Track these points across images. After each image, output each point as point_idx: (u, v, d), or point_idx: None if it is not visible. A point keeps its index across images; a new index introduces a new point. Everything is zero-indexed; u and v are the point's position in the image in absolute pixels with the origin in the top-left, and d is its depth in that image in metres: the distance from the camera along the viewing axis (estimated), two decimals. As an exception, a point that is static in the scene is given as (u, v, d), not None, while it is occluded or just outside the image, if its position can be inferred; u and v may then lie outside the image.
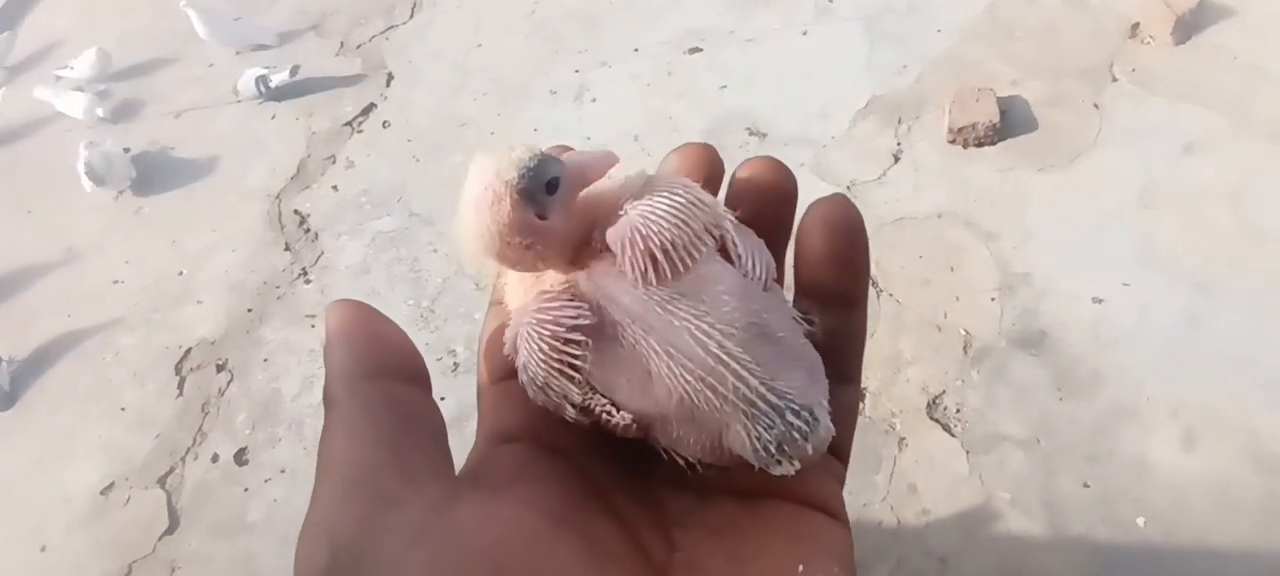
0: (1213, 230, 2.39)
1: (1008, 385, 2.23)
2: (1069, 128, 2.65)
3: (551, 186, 0.31)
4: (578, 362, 0.30)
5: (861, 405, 2.24)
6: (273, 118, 3.38)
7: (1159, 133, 2.61)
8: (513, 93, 3.22)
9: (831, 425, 0.31)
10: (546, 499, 0.30)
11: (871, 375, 2.28)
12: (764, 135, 2.85)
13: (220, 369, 2.72)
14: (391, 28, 3.58)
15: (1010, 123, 2.67)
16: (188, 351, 2.78)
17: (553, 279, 0.32)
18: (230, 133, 3.38)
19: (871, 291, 2.43)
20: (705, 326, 0.30)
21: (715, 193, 0.34)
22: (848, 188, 2.65)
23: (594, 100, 3.11)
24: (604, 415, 0.31)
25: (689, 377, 0.30)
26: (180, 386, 2.71)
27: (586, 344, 0.30)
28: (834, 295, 0.33)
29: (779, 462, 0.30)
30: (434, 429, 0.30)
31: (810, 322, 0.33)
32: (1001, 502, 2.07)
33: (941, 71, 2.86)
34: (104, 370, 2.83)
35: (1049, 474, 2.10)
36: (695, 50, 3.16)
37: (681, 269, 0.30)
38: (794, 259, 0.33)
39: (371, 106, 3.32)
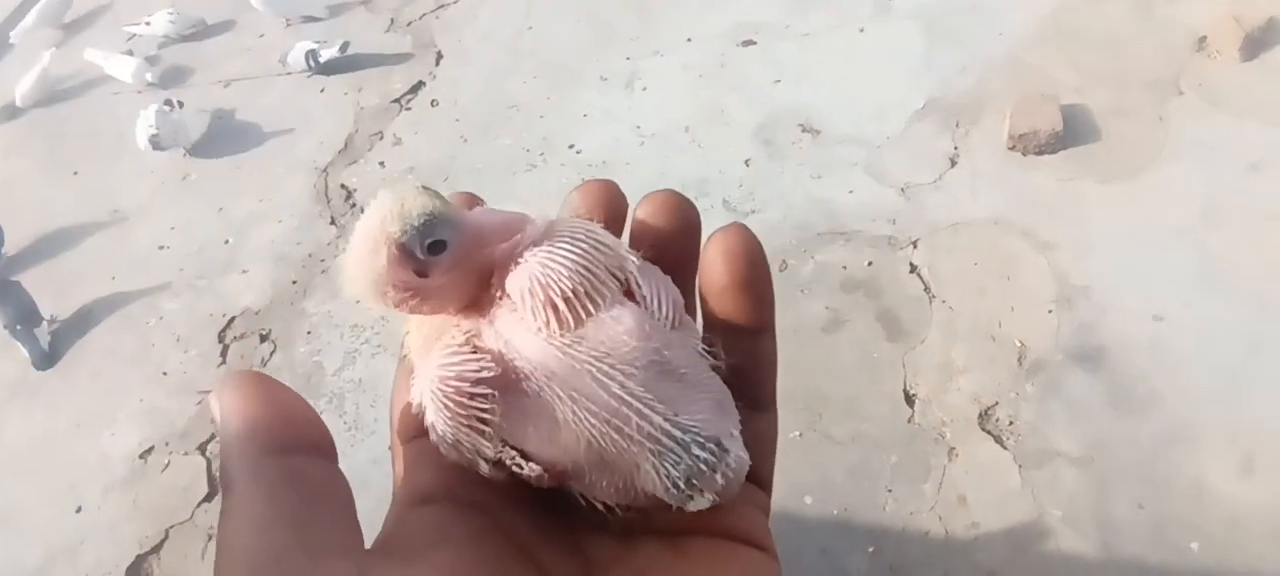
0: (1278, 252, 2.33)
1: (1063, 400, 2.19)
2: (1133, 140, 2.60)
3: (435, 247, 0.30)
4: (486, 416, 0.29)
5: (911, 414, 2.21)
6: (321, 91, 3.38)
7: (1225, 149, 2.55)
8: (562, 77, 3.20)
9: (745, 454, 0.31)
10: (464, 562, 0.29)
11: (921, 381, 2.25)
12: (817, 132, 2.81)
13: (263, 339, 2.72)
14: (442, 7, 3.57)
15: (1072, 131, 2.62)
16: (231, 320, 2.79)
17: (455, 330, 0.31)
18: (278, 104, 3.39)
19: (924, 296, 2.40)
20: (605, 368, 0.29)
21: (619, 228, 0.33)
22: (902, 189, 2.61)
23: (645, 89, 3.08)
24: (515, 467, 0.30)
25: (593, 421, 0.29)
26: (223, 354, 2.72)
27: (493, 396, 0.29)
28: (740, 322, 0.33)
29: (691, 497, 0.30)
30: (340, 501, 0.29)
31: (715, 356, 0.32)
32: (1053, 519, 2.03)
33: (1003, 75, 2.81)
34: (147, 334, 2.84)
35: (1103, 493, 2.06)
36: (749, 43, 3.12)
37: (584, 315, 0.30)
38: (698, 292, 0.33)
39: (420, 84, 3.31)
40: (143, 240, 3.11)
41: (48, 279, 3.07)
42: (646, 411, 0.29)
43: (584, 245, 0.30)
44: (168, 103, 3.26)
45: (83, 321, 2.95)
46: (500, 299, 0.31)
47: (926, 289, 2.40)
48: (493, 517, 0.31)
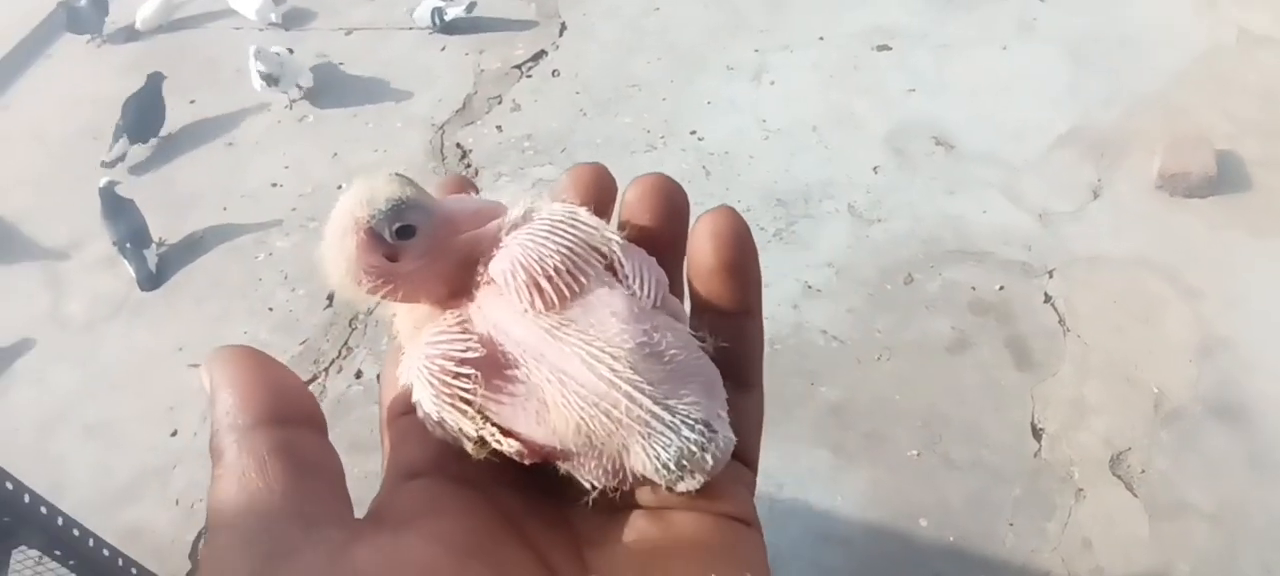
0: None
1: (1199, 453, 2.09)
2: (1288, 194, 2.48)
3: (404, 232, 0.30)
4: (468, 396, 0.30)
5: (1038, 448, 2.13)
6: (443, 49, 3.37)
7: (1385, 213, 2.43)
8: (687, 62, 3.15)
9: (732, 434, 0.31)
10: (453, 532, 0.29)
11: (1051, 416, 2.17)
12: (951, 148, 2.73)
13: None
14: (569, -22, 3.55)
15: (1223, 178, 2.51)
16: (340, 264, 2.78)
17: (444, 313, 0.31)
18: (399, 58, 3.39)
19: (1058, 328, 2.31)
20: (594, 350, 0.29)
21: (608, 212, 0.34)
22: (1039, 216, 2.53)
23: (773, 83, 3.03)
24: (495, 444, 0.30)
25: (583, 403, 0.29)
26: (330, 298, 2.72)
27: (475, 377, 0.30)
28: (728, 304, 0.33)
29: (681, 478, 0.30)
30: (330, 472, 0.29)
31: (703, 336, 0.32)
32: (1180, 574, 1.94)
33: (1151, 112, 2.71)
34: (256, 268, 2.86)
35: (1232, 552, 1.97)
36: (883, 48, 3.05)
37: (567, 294, 0.30)
38: (687, 274, 0.33)
39: (542, 54, 3.29)
40: (256, 175, 3.13)
41: (159, 201, 3.09)
42: (636, 394, 0.29)
43: (564, 225, 0.31)
44: (276, 50, 3.26)
45: (191, 247, 2.97)
46: (485, 283, 0.31)
47: (1061, 321, 2.32)
48: (481, 491, 0.31)
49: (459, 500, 0.31)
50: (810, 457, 2.15)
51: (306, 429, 0.30)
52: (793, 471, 2.13)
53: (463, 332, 0.30)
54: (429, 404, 0.30)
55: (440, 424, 0.30)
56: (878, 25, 3.12)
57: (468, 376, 0.29)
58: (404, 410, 0.32)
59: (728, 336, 0.32)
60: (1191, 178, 2.47)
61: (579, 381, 0.29)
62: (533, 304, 0.30)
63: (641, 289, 0.31)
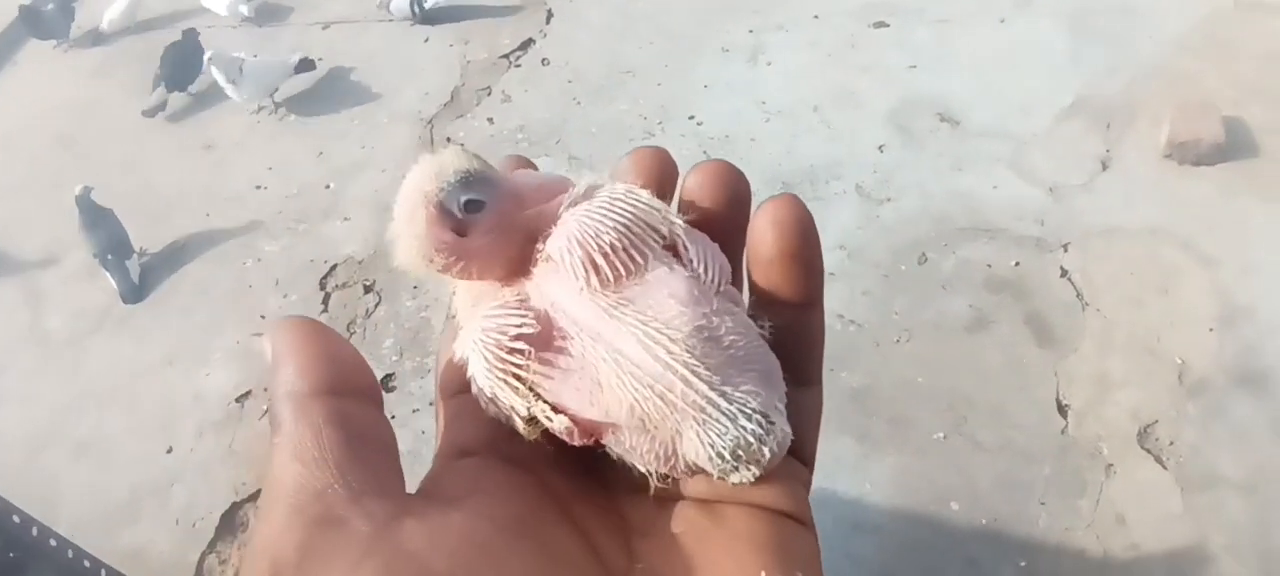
0: None
1: (1226, 423, 2.08)
2: (1296, 158, 2.48)
3: (472, 206, 0.30)
4: (521, 372, 0.29)
5: (1065, 425, 2.11)
6: (426, 41, 3.29)
7: (1393, 175, 2.43)
8: (681, 45, 3.10)
9: (789, 428, 0.31)
10: (502, 509, 0.29)
11: (1075, 392, 2.14)
12: (957, 123, 2.70)
13: (367, 289, 2.63)
14: (550, -38, 3.47)
15: (1232, 144, 2.50)
16: (333, 267, 2.71)
17: (504, 290, 0.31)
18: (380, 51, 3.30)
19: (1076, 303, 2.29)
20: (652, 332, 0.29)
21: (668, 197, 0.33)
22: (1050, 189, 2.50)
23: (770, 64, 2.98)
24: (546, 420, 0.30)
25: (638, 385, 0.29)
26: (325, 302, 2.64)
27: (530, 353, 0.29)
28: (788, 295, 0.32)
29: (736, 469, 0.30)
30: (384, 445, 0.30)
31: (762, 326, 0.31)
32: (1216, 547, 1.93)
33: (1155, 81, 2.69)
34: (244, 274, 2.77)
35: (1267, 523, 1.96)
36: (881, 25, 3.01)
37: (624, 271, 0.30)
38: (746, 263, 0.32)
39: (530, 42, 3.21)
40: (238, 178, 3.03)
41: (137, 209, 2.99)
42: (693, 379, 0.29)
43: (623, 204, 0.30)
44: (237, 55, 3.16)
45: (174, 256, 2.88)
46: (543, 259, 0.31)
47: (1079, 295, 2.29)
48: (532, 472, 0.31)
49: (509, 480, 0.31)
50: (836, 446, 2.11)
51: (363, 400, 0.30)
52: (819, 461, 2.07)
53: (520, 309, 0.30)
54: (482, 378, 0.30)
55: (493, 400, 0.30)
56: (873, 1, 3.08)
57: (521, 352, 0.29)
58: (459, 388, 0.32)
59: (788, 328, 0.32)
60: (1201, 145, 2.46)
61: (635, 361, 0.29)
62: (588, 281, 0.29)
63: (706, 273, 0.31)
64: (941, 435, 2.12)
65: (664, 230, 0.31)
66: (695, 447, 0.30)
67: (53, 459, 2.47)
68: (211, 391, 2.53)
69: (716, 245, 0.32)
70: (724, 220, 0.33)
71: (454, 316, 0.33)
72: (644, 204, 0.31)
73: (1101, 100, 2.68)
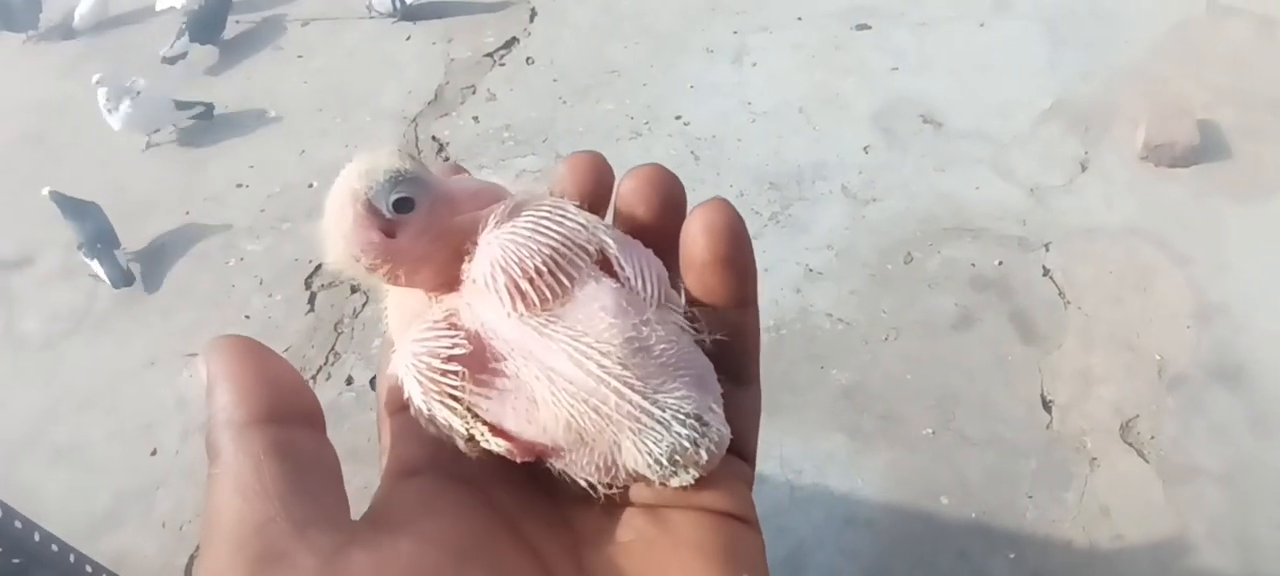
0: None
1: (1204, 417, 2.16)
2: (1267, 160, 2.58)
3: (402, 205, 0.30)
4: (456, 392, 0.29)
5: (1050, 420, 2.18)
6: (408, 38, 3.29)
7: (1358, 175, 2.54)
8: (666, 45, 3.14)
9: (726, 428, 0.31)
10: (450, 533, 0.29)
11: (1059, 387, 2.22)
12: (939, 125, 2.77)
13: (354, 290, 2.64)
14: (532, -40, 3.49)
15: (1205, 147, 2.60)
16: (318, 267, 2.70)
17: (436, 306, 0.31)
18: (362, 48, 3.30)
19: (1058, 301, 2.37)
20: (582, 347, 0.29)
21: (605, 202, 0.34)
22: (1031, 190, 2.58)
23: (754, 65, 3.03)
24: (484, 442, 0.30)
25: (572, 400, 0.29)
26: (311, 302, 2.64)
27: (463, 374, 0.29)
28: (723, 298, 0.33)
29: (675, 473, 0.30)
30: (328, 472, 0.29)
31: (697, 328, 0.32)
32: (1197, 536, 2.01)
33: (1130, 84, 2.78)
34: (227, 274, 2.76)
35: (1246, 512, 2.04)
36: (863, 27, 3.07)
37: (552, 294, 0.30)
38: (681, 267, 0.33)
39: (514, 40, 3.23)
40: (218, 176, 3.01)
41: (111, 209, 2.95)
42: (625, 390, 0.29)
43: (549, 222, 0.30)
44: (130, 83, 3.05)
45: (154, 255, 2.86)
46: (472, 279, 0.31)
47: (1060, 293, 2.37)
48: (479, 490, 0.31)
49: (456, 500, 0.31)
50: (827, 442, 2.17)
51: (304, 427, 0.29)
52: (811, 457, 2.15)
53: (449, 328, 0.30)
54: (419, 400, 0.30)
55: (432, 420, 0.30)
56: (856, 5, 3.14)
57: (455, 373, 0.29)
58: (401, 405, 0.32)
59: (724, 331, 0.32)
60: (1176, 148, 2.55)
61: (568, 378, 0.29)
62: (515, 306, 0.29)
63: (640, 282, 0.31)
64: (930, 431, 2.18)
65: (592, 248, 0.31)
66: (634, 456, 0.30)
67: (32, 465, 2.43)
68: (195, 393, 2.52)
69: (650, 251, 0.32)
70: (659, 226, 0.33)
71: (388, 334, 0.33)
72: (571, 221, 0.31)
73: (1079, 103, 2.76)
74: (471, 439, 0.30)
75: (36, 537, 1.49)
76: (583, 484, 0.31)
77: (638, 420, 0.30)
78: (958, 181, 2.62)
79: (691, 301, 0.33)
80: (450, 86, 3.13)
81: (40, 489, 2.39)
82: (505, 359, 0.30)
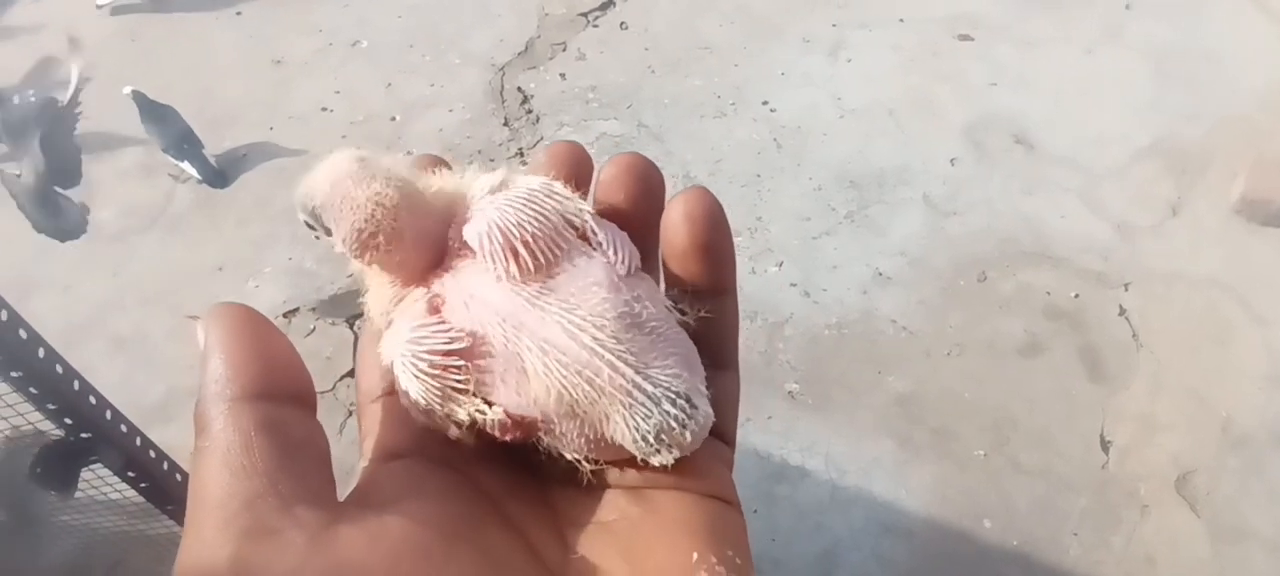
0: None
1: (1264, 481, 2.18)
2: (1368, 231, 2.56)
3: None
4: (461, 385, 0.31)
5: (1106, 461, 2.21)
6: (505, -14, 3.37)
7: None
8: (762, 28, 3.18)
9: (711, 411, 0.33)
10: (437, 512, 0.30)
11: (1120, 430, 2.24)
12: (1032, 146, 2.79)
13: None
14: (639, -74, 3.55)
15: (1303, 208, 2.59)
16: (391, 199, 2.80)
17: (413, 291, 0.33)
18: (458, -11, 3.39)
19: (1131, 342, 2.39)
20: (577, 319, 0.31)
21: (584, 190, 0.36)
22: (1117, 227, 2.59)
23: (850, 61, 3.06)
24: (478, 415, 0.31)
25: (565, 371, 0.30)
26: (379, 233, 2.73)
27: (465, 367, 0.31)
28: (703, 284, 0.35)
29: (658, 451, 0.31)
30: (317, 452, 0.30)
31: (682, 311, 0.34)
32: (1240, 600, 2.04)
33: (1234, 132, 2.77)
34: (302, 194, 2.86)
35: (1293, 584, 2.06)
36: (965, 38, 3.09)
37: (542, 260, 0.31)
38: (662, 254, 0.35)
39: (610, 3, 3.30)
40: (304, 97, 3.13)
41: (197, 113, 3.08)
42: (618, 363, 0.31)
43: (539, 194, 0.32)
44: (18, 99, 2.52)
45: (234, 165, 2.98)
46: (459, 249, 0.33)
47: (1134, 336, 2.39)
48: (463, 473, 0.32)
49: (441, 481, 0.32)
50: (876, 447, 2.22)
51: (295, 405, 0.30)
52: (857, 459, 2.20)
53: (437, 319, 0.31)
54: (417, 394, 0.31)
55: (427, 413, 0.32)
56: (961, 13, 3.16)
57: (457, 367, 0.31)
58: (383, 391, 0.34)
59: (704, 316, 0.34)
60: (1272, 205, 2.54)
61: (561, 349, 0.30)
62: (508, 269, 0.31)
63: (617, 259, 0.33)
64: (982, 452, 2.22)
65: (577, 222, 0.33)
66: (621, 430, 0.31)
67: (90, 351, 2.54)
68: (259, 303, 2.61)
69: (625, 233, 0.34)
70: (638, 213, 0.35)
71: (368, 319, 0.35)
72: (557, 195, 0.33)
73: (1178, 145, 2.76)
74: (471, 425, 0.31)
75: (108, 415, 1.58)
76: (569, 459, 0.33)
77: (629, 394, 0.31)
78: (1043, 206, 2.64)
79: (672, 286, 0.35)
80: (541, 40, 3.20)
81: (94, 375, 2.49)
82: (494, 331, 0.31)
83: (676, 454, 0.32)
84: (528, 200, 0.32)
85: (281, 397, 0.30)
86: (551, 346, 0.30)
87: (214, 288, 2.69)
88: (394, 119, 3.02)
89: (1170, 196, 2.65)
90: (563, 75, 3.08)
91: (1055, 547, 2.09)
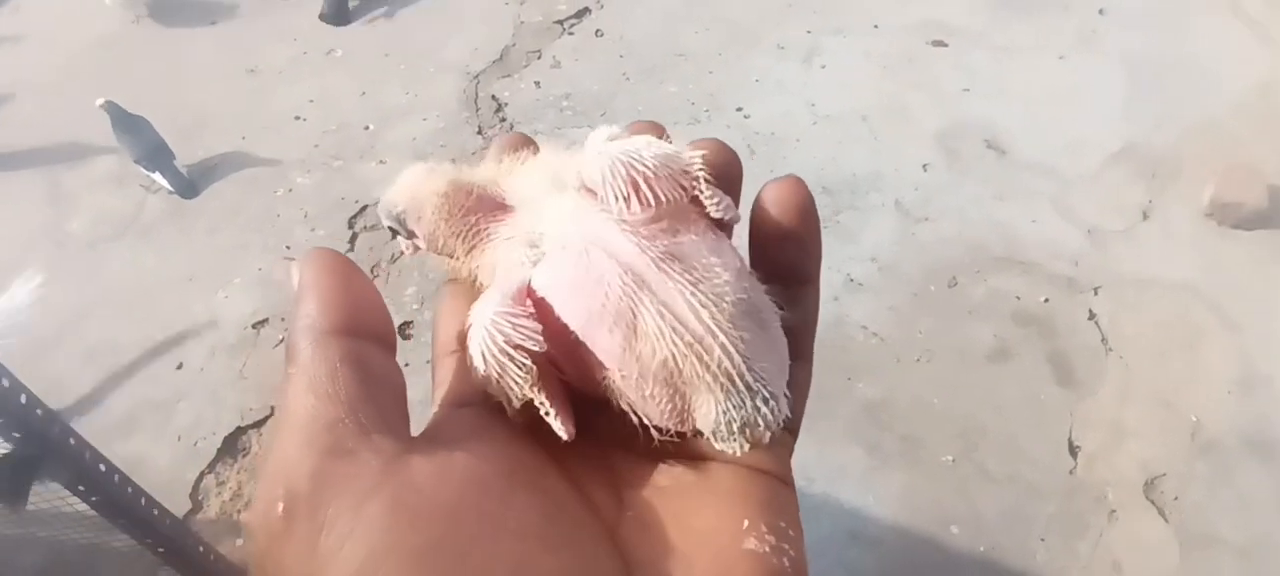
0: None
1: (1233, 487, 2.18)
2: (1338, 235, 2.58)
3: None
4: (521, 379, 0.32)
5: (1074, 466, 2.21)
6: (480, -6, 3.39)
7: None
8: (737, 35, 3.19)
9: (790, 412, 0.33)
10: (501, 455, 0.31)
11: (1089, 435, 2.25)
12: (1003, 152, 2.80)
13: (395, 234, 2.73)
14: (615, -66, 3.57)
15: (1273, 213, 2.60)
16: (364, 208, 2.81)
17: (518, 255, 0.34)
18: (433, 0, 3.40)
19: (1100, 347, 2.39)
20: (701, 295, 0.31)
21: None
22: (1088, 232, 2.60)
23: (824, 67, 3.08)
24: (543, 414, 0.32)
25: (677, 342, 0.31)
26: (351, 241, 2.74)
27: (530, 369, 0.31)
28: (791, 273, 0.35)
29: (734, 440, 0.32)
30: (395, 390, 0.32)
31: (780, 306, 0.34)
32: (1208, 606, 2.04)
33: (1204, 138, 2.79)
34: (273, 203, 2.87)
35: (1260, 590, 2.06)
36: (939, 44, 3.10)
37: (663, 200, 0.32)
38: (749, 240, 0.35)
39: (586, 11, 3.31)
40: (278, 106, 3.13)
41: (170, 123, 3.08)
42: (731, 349, 0.31)
43: (657, 143, 0.33)
44: None
45: (206, 174, 2.98)
46: (580, 189, 0.33)
47: (1104, 341, 2.40)
48: (527, 426, 0.33)
49: (507, 429, 0.33)
50: (844, 454, 2.22)
51: (378, 345, 0.32)
52: (824, 467, 2.20)
53: (526, 315, 0.32)
54: (484, 369, 0.32)
55: (487, 381, 0.33)
56: (934, 20, 3.17)
57: (523, 364, 0.31)
58: (459, 346, 0.35)
59: (786, 306, 0.35)
60: (1243, 209, 2.55)
61: (680, 319, 0.31)
62: (629, 205, 0.32)
63: (726, 215, 0.33)
64: (950, 459, 2.22)
65: (693, 170, 0.33)
66: (708, 411, 0.32)
67: (61, 360, 2.55)
68: (229, 313, 2.63)
69: (730, 198, 0.34)
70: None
71: (453, 280, 0.37)
72: (671, 150, 0.33)
73: (1150, 150, 2.77)
74: (524, 407, 0.32)
75: (56, 430, 1.57)
76: (639, 421, 0.33)
77: (731, 381, 0.31)
78: (1015, 212, 2.65)
79: (758, 274, 0.35)
80: (516, 48, 3.21)
81: (64, 384, 2.52)
82: (614, 280, 0.31)
83: (747, 447, 0.32)
84: (648, 145, 0.32)
85: (365, 335, 0.32)
86: (671, 313, 0.31)
87: (186, 297, 2.69)
88: (368, 127, 3.02)
89: (1141, 201, 2.67)
90: (537, 83, 3.09)
91: (1022, 553, 2.09)
